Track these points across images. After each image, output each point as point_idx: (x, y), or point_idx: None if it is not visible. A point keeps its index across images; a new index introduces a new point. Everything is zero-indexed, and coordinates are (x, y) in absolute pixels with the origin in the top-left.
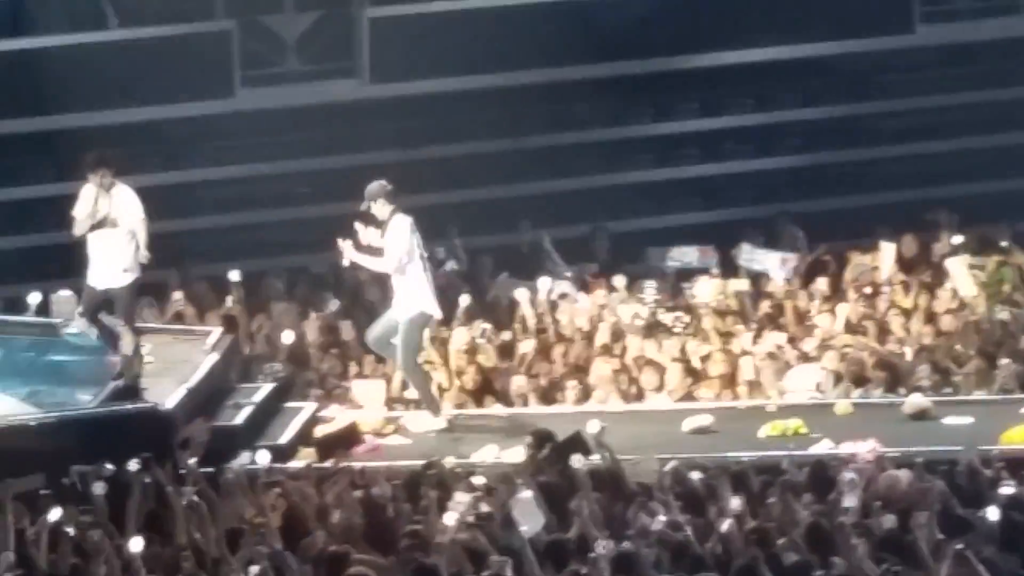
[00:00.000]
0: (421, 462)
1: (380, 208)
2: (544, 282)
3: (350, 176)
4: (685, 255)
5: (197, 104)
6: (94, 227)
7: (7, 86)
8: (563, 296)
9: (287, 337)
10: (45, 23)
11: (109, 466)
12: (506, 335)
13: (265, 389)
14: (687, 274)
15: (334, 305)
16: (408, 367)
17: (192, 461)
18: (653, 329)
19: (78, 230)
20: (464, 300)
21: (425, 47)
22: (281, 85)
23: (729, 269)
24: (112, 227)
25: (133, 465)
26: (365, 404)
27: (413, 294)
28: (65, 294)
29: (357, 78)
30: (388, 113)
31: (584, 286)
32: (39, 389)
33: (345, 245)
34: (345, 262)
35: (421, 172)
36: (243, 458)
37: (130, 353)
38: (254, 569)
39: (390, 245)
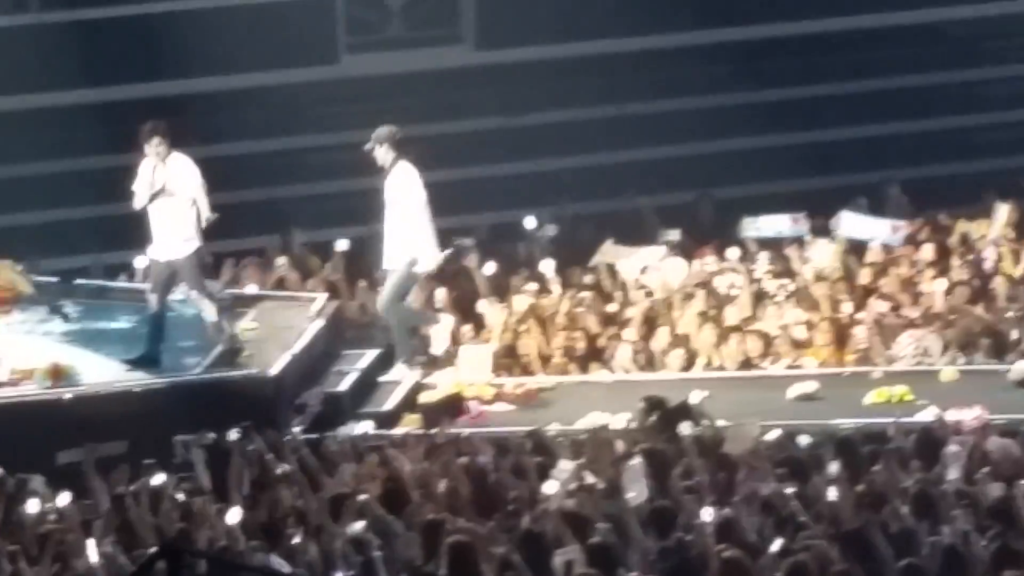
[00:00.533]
0: (525, 428)
1: (383, 153)
2: (649, 249)
3: (454, 143)
4: (776, 223)
5: (302, 70)
6: (152, 199)
7: (114, 52)
8: (661, 262)
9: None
10: None
11: (210, 434)
12: (609, 301)
13: (369, 356)
14: (778, 243)
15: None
16: (387, 308)
17: (297, 429)
18: (758, 297)
19: (138, 203)
20: (548, 267)
21: (530, 13)
22: (386, 51)
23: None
24: (169, 197)
25: (233, 434)
26: (470, 370)
27: (411, 242)
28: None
29: (462, 44)
30: (493, 80)
31: (685, 253)
32: (146, 355)
33: None
34: None
35: (525, 139)
36: (347, 426)
37: (215, 319)
38: (356, 533)
39: (395, 192)
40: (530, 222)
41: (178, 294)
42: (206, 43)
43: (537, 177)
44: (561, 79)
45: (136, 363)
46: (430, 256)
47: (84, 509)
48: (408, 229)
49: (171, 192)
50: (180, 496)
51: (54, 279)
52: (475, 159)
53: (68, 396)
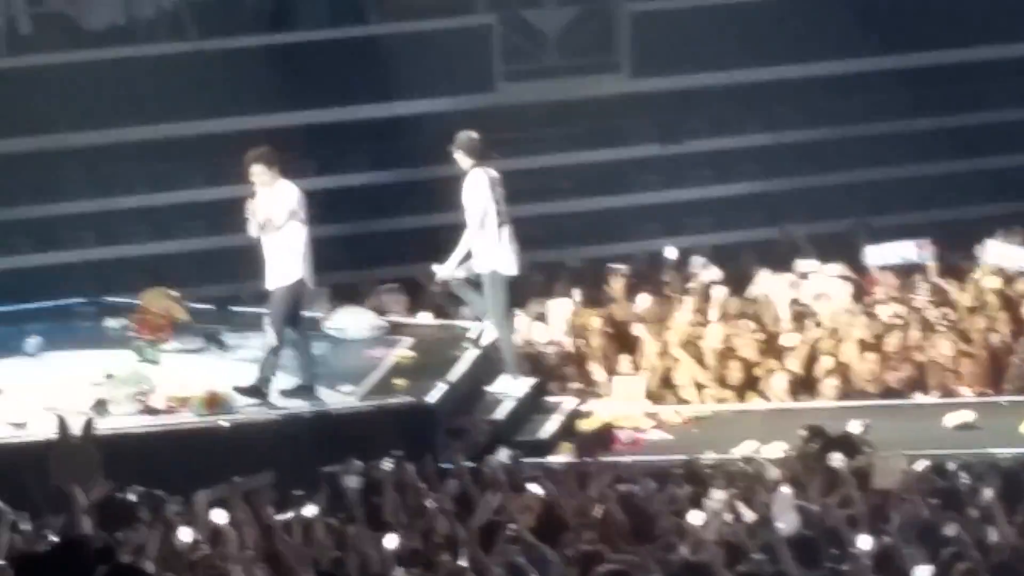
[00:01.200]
0: (680, 457)
1: (461, 159)
2: (807, 276)
3: (610, 171)
4: (902, 250)
5: (458, 98)
6: (261, 228)
7: (272, 79)
8: (819, 296)
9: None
10: (308, 17)
11: (359, 463)
12: (766, 329)
13: (526, 384)
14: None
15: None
16: (499, 323)
17: (458, 456)
18: (918, 326)
19: (252, 231)
20: (718, 293)
21: (685, 41)
22: (541, 79)
23: (950, 265)
24: (271, 226)
25: (386, 464)
26: (625, 398)
27: (489, 251)
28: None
29: (618, 72)
30: (649, 107)
31: (850, 281)
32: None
33: None
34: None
35: (681, 167)
36: (501, 454)
37: (271, 347)
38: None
39: (469, 201)
40: (671, 252)
41: (334, 322)
42: (364, 70)
43: (696, 204)
44: (716, 106)
45: (293, 393)
46: (507, 261)
47: (234, 538)
48: (483, 237)
49: (272, 221)
50: (332, 525)
51: (210, 306)
52: (631, 187)
53: (224, 424)
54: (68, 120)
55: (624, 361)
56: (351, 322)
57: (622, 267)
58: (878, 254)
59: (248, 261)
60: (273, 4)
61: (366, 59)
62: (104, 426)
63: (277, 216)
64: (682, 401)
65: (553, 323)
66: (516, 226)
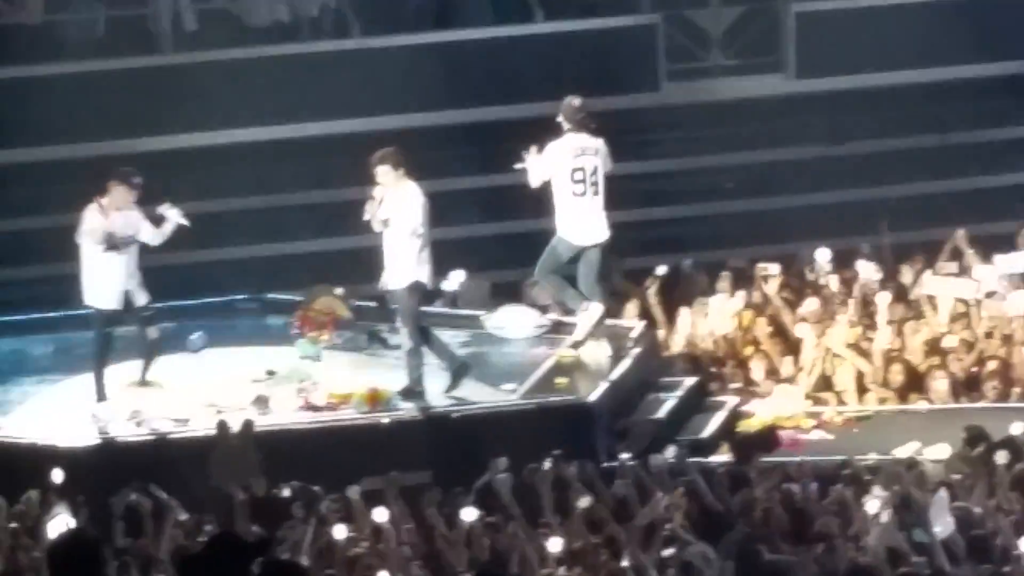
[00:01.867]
0: (841, 457)
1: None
2: (973, 279)
3: (774, 171)
4: (1016, 261)
5: (622, 98)
6: (382, 226)
7: (434, 78)
8: (991, 294)
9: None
10: (471, 15)
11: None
12: (931, 331)
13: (687, 383)
14: None
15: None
16: (541, 273)
17: (626, 456)
18: None
19: (375, 228)
20: (884, 299)
21: (851, 42)
22: (706, 79)
23: None
24: (390, 227)
25: (546, 464)
26: (786, 399)
27: (564, 219)
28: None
29: (783, 73)
30: (814, 108)
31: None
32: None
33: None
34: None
35: (846, 167)
36: (669, 452)
37: (409, 349)
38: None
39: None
40: (823, 254)
41: (496, 320)
42: (528, 69)
43: (860, 206)
44: (880, 107)
45: (402, 395)
46: (580, 231)
47: (393, 536)
48: (564, 208)
49: (391, 222)
50: (491, 524)
51: (372, 303)
52: (794, 188)
53: (385, 421)
54: (231, 117)
55: (786, 362)
56: (513, 320)
57: (769, 266)
58: (1007, 263)
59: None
60: (437, 2)
61: (530, 57)
62: (265, 423)
63: (398, 217)
64: (843, 402)
65: (714, 322)
66: (680, 225)
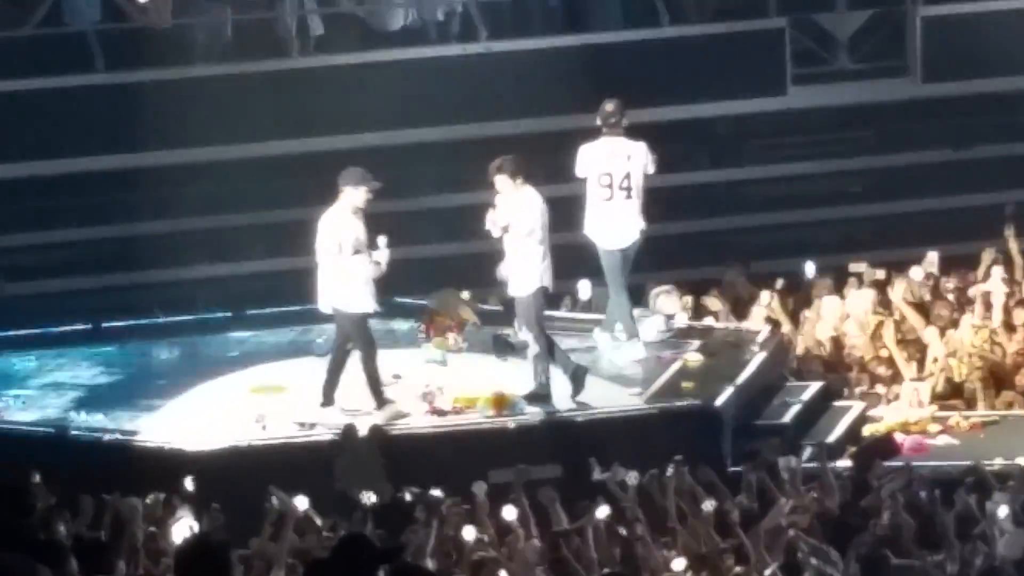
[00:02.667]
0: (967, 463)
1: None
2: None
3: (901, 175)
4: None
5: (749, 102)
6: (502, 233)
7: (561, 82)
8: None
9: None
10: (598, 20)
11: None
12: None
13: (812, 388)
14: None
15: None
16: (616, 292)
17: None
18: None
19: (495, 233)
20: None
21: (977, 46)
22: (832, 83)
23: None
24: (508, 233)
25: (670, 471)
26: (913, 404)
27: (592, 224)
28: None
29: (909, 76)
30: (939, 112)
31: None
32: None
33: None
34: None
35: (971, 172)
36: (805, 452)
37: (536, 356)
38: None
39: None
40: (931, 259)
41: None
42: (655, 73)
43: (982, 210)
44: (1007, 112)
45: (528, 399)
46: (607, 233)
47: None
48: (591, 210)
49: (506, 228)
50: (614, 529)
51: (498, 308)
52: (920, 192)
53: (511, 425)
54: (357, 121)
55: (912, 366)
56: (640, 325)
57: (861, 266)
58: None
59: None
60: (564, 6)
61: (657, 62)
62: (390, 427)
63: (517, 224)
64: (970, 407)
65: (840, 326)
66: (805, 229)
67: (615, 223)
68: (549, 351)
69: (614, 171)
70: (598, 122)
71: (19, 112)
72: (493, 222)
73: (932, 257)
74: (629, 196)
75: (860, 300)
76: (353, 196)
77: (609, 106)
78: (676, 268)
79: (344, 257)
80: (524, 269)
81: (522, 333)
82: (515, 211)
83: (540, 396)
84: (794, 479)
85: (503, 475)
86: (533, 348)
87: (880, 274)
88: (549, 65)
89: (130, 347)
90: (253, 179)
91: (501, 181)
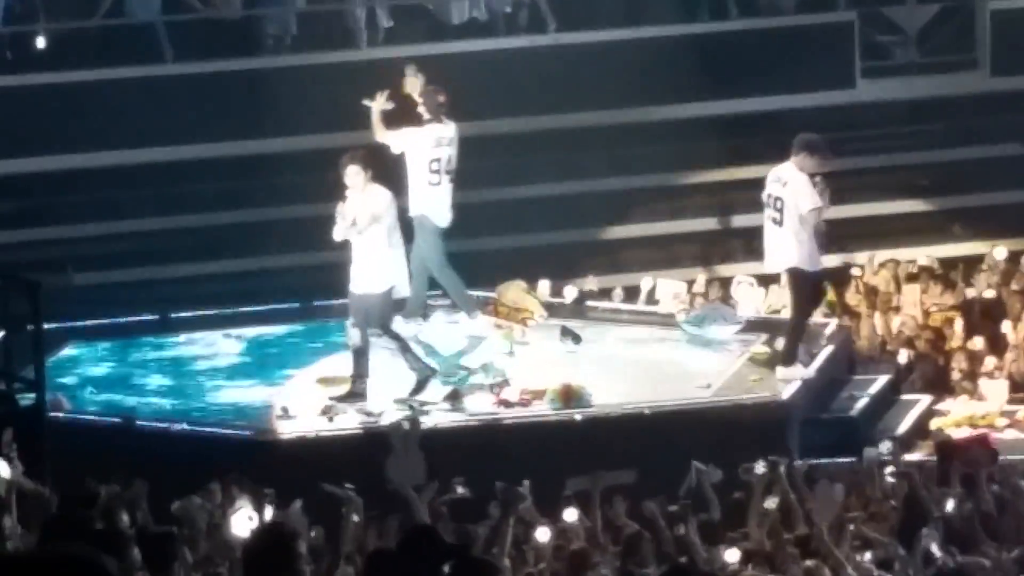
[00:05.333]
0: None
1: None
2: None
3: (971, 169)
4: None
5: (819, 94)
6: (349, 231)
7: (627, 74)
8: None
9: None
10: (665, 12)
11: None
12: None
13: (880, 381)
14: None
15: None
16: (440, 272)
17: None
18: None
19: (336, 234)
20: None
21: None
22: (901, 76)
23: None
24: (359, 231)
25: (759, 468)
26: (990, 398)
27: (420, 205)
28: (668, 283)
29: (978, 70)
30: (1009, 106)
31: None
32: (657, 378)
33: None
34: None
35: None
36: (883, 446)
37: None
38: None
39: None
40: (1000, 253)
41: (688, 317)
42: (723, 66)
43: None
44: None
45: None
46: (444, 215)
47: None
48: (417, 192)
49: (360, 225)
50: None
51: (564, 300)
52: (989, 186)
53: (579, 418)
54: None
55: (989, 360)
56: (708, 318)
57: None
58: None
59: (600, 255)
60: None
61: (725, 54)
62: (457, 418)
63: (363, 220)
64: None
65: (909, 319)
66: (874, 223)
67: (444, 205)
68: (405, 350)
69: (442, 156)
70: (424, 112)
71: (88, 103)
72: (342, 218)
73: (1000, 252)
74: (452, 180)
75: (929, 293)
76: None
77: (440, 97)
78: (748, 260)
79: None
80: (373, 267)
81: (351, 331)
82: (365, 208)
83: (424, 382)
84: (875, 469)
85: (580, 483)
86: (393, 345)
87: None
88: (616, 57)
89: (198, 337)
90: (322, 170)
91: (353, 175)
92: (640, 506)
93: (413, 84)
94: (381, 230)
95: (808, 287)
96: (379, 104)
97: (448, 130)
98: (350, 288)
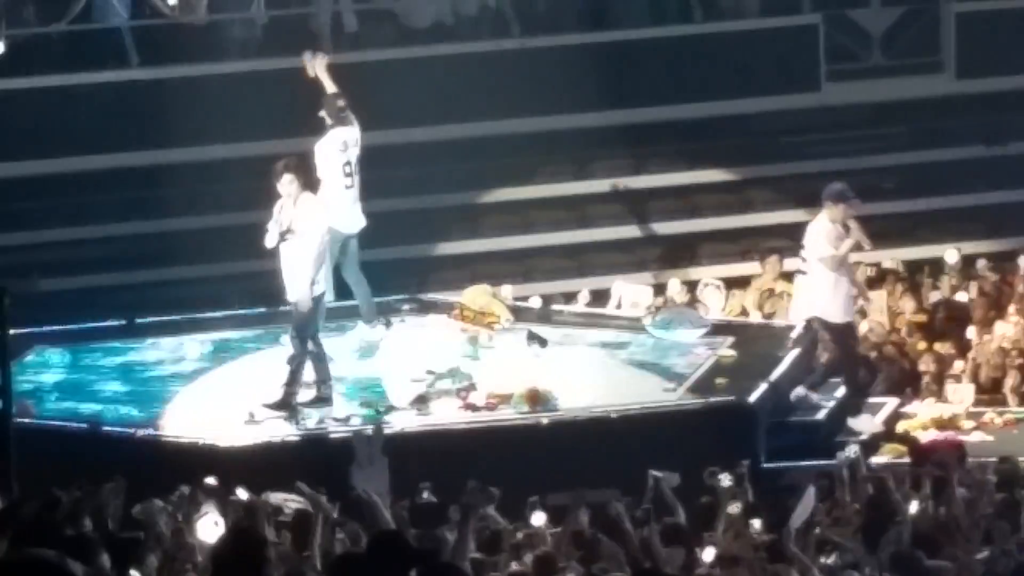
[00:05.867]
0: (994, 459)
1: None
2: None
3: (933, 172)
4: None
5: (783, 98)
6: (281, 238)
7: (592, 78)
8: None
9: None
10: (630, 16)
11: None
12: None
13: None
14: None
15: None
16: (354, 276)
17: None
18: None
19: (268, 241)
20: None
21: (1012, 42)
22: (866, 80)
23: None
24: (293, 238)
25: (726, 480)
26: (955, 402)
27: (330, 209)
28: (635, 287)
29: (943, 73)
30: (973, 109)
31: None
32: (622, 381)
33: None
34: None
35: (1005, 168)
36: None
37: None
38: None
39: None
40: (951, 256)
41: (651, 320)
42: (688, 69)
43: (1017, 207)
44: None
45: (311, 403)
46: (349, 220)
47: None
48: (327, 198)
49: (295, 233)
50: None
51: (531, 304)
52: (954, 187)
53: (545, 421)
54: (390, 117)
55: (956, 363)
56: (675, 321)
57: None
58: None
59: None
60: (597, 3)
61: (689, 58)
62: (426, 423)
63: (298, 228)
64: (1004, 403)
65: (874, 322)
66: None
67: (356, 208)
68: (319, 358)
69: (352, 158)
70: (326, 117)
71: (54, 108)
72: (277, 224)
73: (951, 254)
74: (359, 181)
75: (892, 296)
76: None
77: (340, 101)
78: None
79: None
80: (300, 275)
81: (289, 339)
82: (297, 215)
83: (282, 404)
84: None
85: (560, 498)
86: (293, 352)
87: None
88: (581, 61)
89: (162, 342)
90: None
91: (288, 181)
92: (603, 510)
93: (313, 67)
94: (314, 238)
95: (835, 336)
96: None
97: (354, 132)
98: (287, 296)
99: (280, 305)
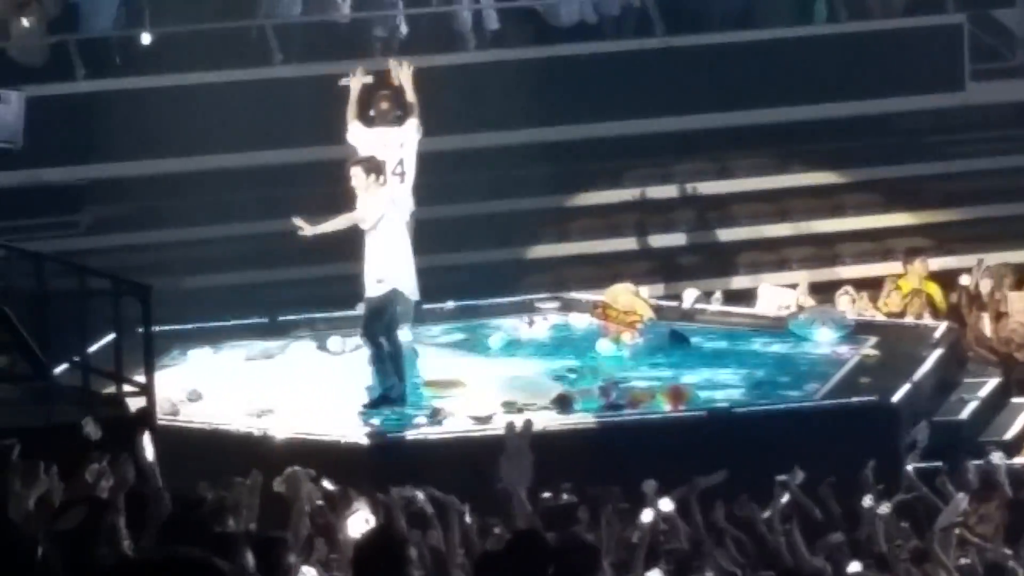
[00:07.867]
0: None
1: None
2: None
3: None
4: None
5: (927, 98)
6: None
7: (735, 78)
8: None
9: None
10: (773, 15)
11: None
12: None
13: (990, 384)
14: None
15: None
16: None
17: (911, 466)
18: None
19: (306, 232)
20: None
21: None
22: (1011, 79)
23: None
24: (365, 228)
25: (884, 508)
26: None
27: None
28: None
29: None
30: None
31: None
32: (765, 380)
33: None
34: None
35: None
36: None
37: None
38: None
39: None
40: None
41: (801, 320)
42: (834, 69)
43: None
44: None
45: (375, 403)
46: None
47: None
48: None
49: (368, 224)
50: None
51: (674, 303)
52: None
53: (686, 419)
54: (530, 116)
55: None
56: (817, 322)
57: None
58: None
59: (714, 259)
60: (742, 2)
61: (835, 57)
62: (565, 422)
63: (369, 223)
64: None
65: (1017, 322)
66: (984, 225)
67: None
68: (393, 357)
69: (389, 158)
70: (376, 114)
71: (196, 105)
72: (361, 219)
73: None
74: (402, 181)
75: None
76: None
77: (384, 104)
78: (846, 264)
79: None
80: (378, 270)
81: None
82: (369, 210)
83: (382, 400)
84: (973, 476)
85: (678, 492)
86: (370, 353)
87: None
88: (724, 61)
89: (306, 340)
90: (448, 172)
91: (357, 174)
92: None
93: (398, 76)
94: (388, 232)
95: None
96: (358, 80)
97: (404, 133)
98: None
99: (421, 303)
